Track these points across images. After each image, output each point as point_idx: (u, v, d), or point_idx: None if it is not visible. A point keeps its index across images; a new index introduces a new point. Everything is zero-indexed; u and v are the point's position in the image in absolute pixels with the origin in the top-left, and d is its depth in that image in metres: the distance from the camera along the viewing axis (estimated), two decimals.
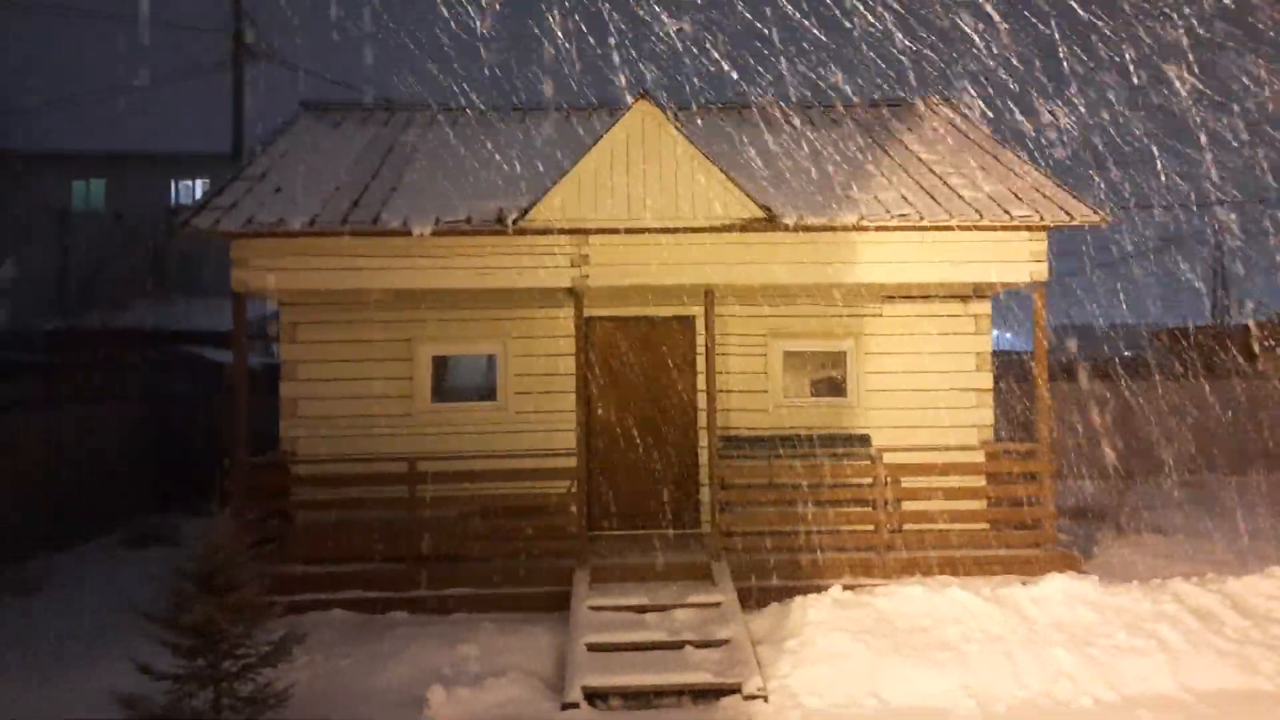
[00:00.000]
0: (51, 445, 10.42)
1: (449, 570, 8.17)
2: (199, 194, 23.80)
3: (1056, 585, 7.44)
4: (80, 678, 6.47)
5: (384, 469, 8.51)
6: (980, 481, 9.10)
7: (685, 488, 9.68)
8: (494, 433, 9.48)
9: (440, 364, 9.72)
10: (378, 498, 8.41)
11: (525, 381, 9.64)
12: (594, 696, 6.21)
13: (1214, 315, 28.34)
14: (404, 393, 9.55)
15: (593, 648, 6.77)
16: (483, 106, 11.87)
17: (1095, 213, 8.57)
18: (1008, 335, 29.05)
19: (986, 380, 9.78)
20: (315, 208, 8.37)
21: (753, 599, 7.80)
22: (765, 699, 6.12)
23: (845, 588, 7.72)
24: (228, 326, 9.38)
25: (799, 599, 7.50)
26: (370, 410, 9.45)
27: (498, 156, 9.82)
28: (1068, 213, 8.52)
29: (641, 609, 7.44)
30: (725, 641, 6.85)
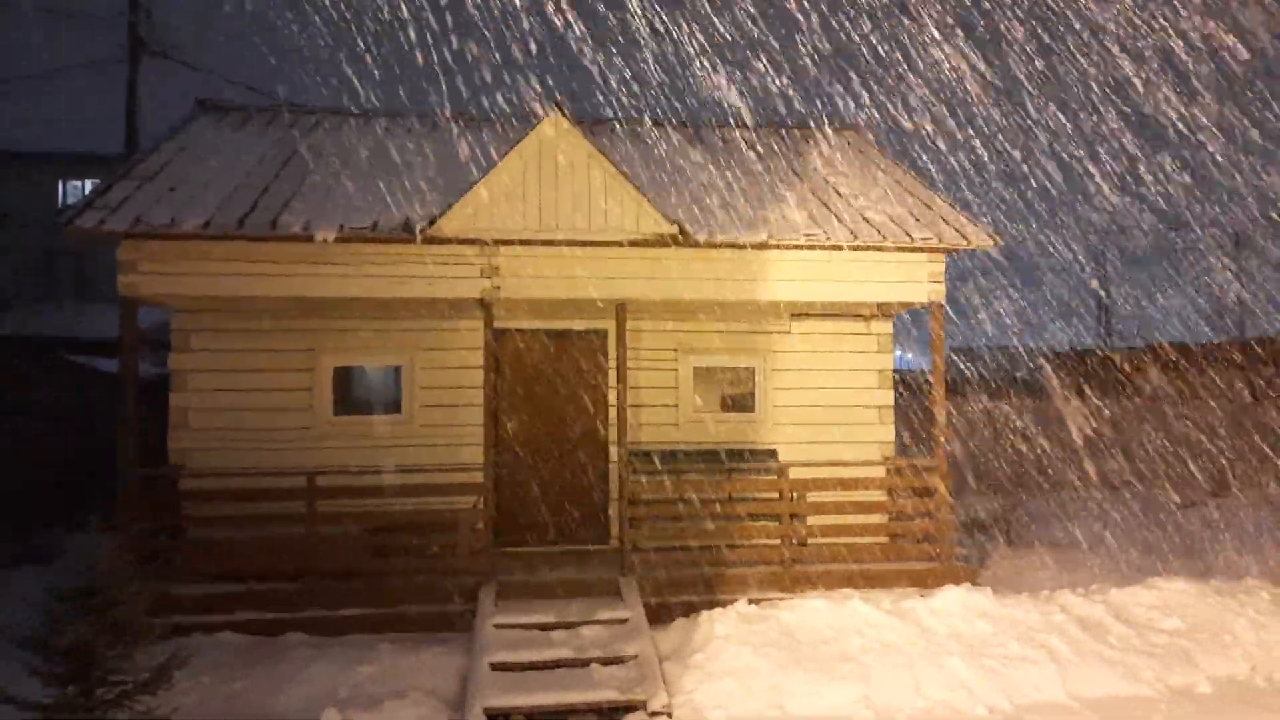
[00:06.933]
0: None
1: (349, 588, 7.89)
2: None
3: (953, 597, 7.66)
4: None
5: (280, 483, 8.18)
6: (882, 496, 9.31)
7: (594, 502, 9.63)
8: (399, 446, 9.24)
9: (343, 375, 9.43)
10: (274, 514, 8.08)
11: (432, 394, 9.44)
12: (496, 717, 6.07)
13: (1101, 339, 29.91)
14: (304, 405, 9.23)
15: (496, 667, 6.63)
16: (394, 112, 11.65)
17: (989, 236, 8.93)
18: (908, 355, 30.00)
19: (888, 397, 10.05)
20: (211, 209, 8.03)
21: (661, 614, 7.78)
22: (670, 715, 6.09)
23: (751, 601, 7.78)
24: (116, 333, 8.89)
25: (705, 614, 7.53)
26: (268, 423, 9.10)
27: (408, 164, 9.63)
28: (964, 236, 8.85)
29: (548, 626, 7.33)
30: (632, 658, 6.80)
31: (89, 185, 23.32)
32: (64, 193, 23.76)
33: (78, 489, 11.85)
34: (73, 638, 4.85)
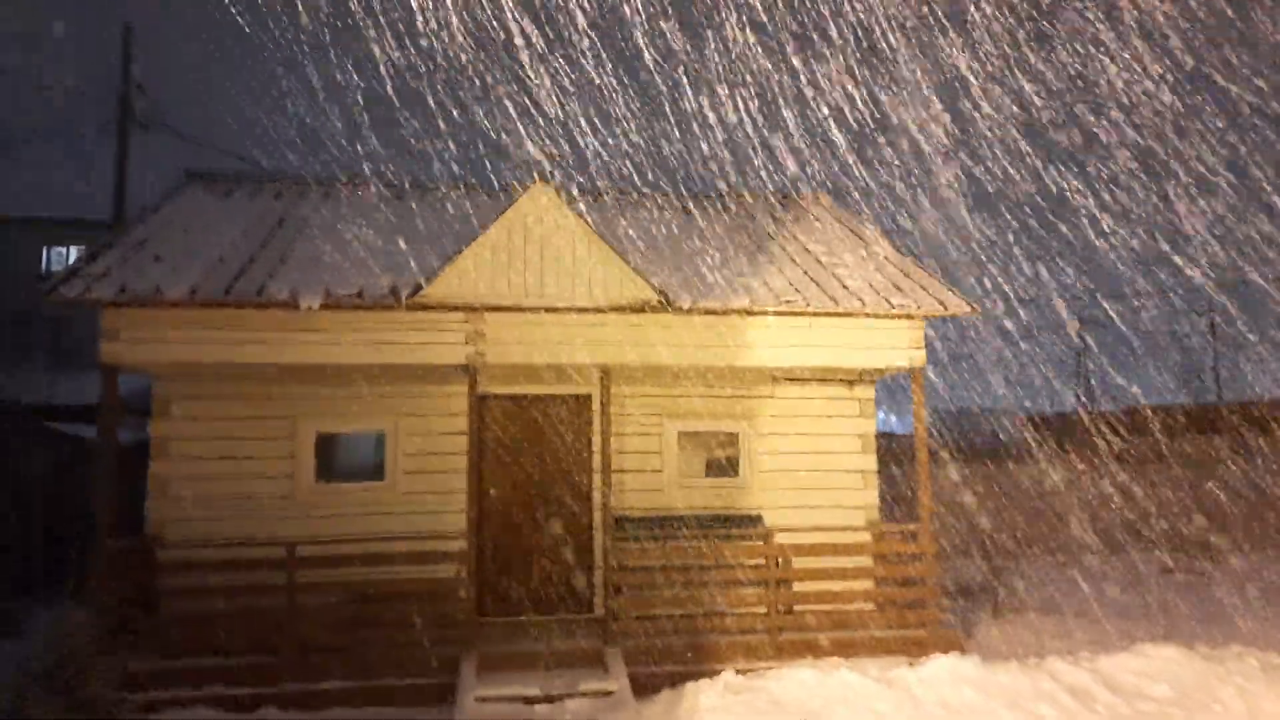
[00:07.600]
0: None
1: (328, 661, 7.72)
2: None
3: (941, 665, 7.57)
4: None
5: (260, 554, 8.06)
6: (867, 562, 9.26)
7: (579, 570, 9.51)
8: (382, 514, 9.13)
9: (326, 442, 9.37)
10: (253, 584, 7.93)
11: (416, 460, 9.38)
12: None
13: (1081, 402, 30.18)
14: (286, 472, 9.13)
15: None
16: (381, 180, 11.81)
17: (967, 304, 9.08)
18: (893, 418, 30.15)
19: (871, 462, 10.07)
20: (196, 277, 8.07)
21: (646, 685, 7.65)
22: None
23: (738, 672, 7.66)
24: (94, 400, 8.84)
25: (691, 685, 7.39)
26: (249, 490, 8.99)
27: (394, 232, 9.73)
28: (942, 303, 9.00)
29: (531, 700, 7.19)
30: None
31: (74, 251, 23.35)
32: (48, 259, 23.74)
33: (48, 557, 11.60)
34: (40, 716, 4.71)
